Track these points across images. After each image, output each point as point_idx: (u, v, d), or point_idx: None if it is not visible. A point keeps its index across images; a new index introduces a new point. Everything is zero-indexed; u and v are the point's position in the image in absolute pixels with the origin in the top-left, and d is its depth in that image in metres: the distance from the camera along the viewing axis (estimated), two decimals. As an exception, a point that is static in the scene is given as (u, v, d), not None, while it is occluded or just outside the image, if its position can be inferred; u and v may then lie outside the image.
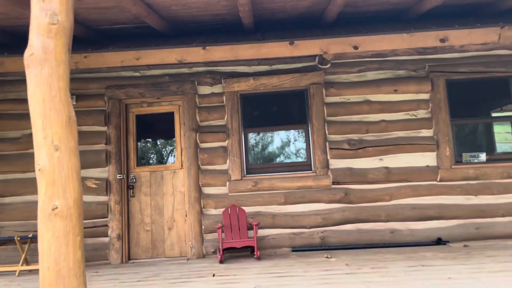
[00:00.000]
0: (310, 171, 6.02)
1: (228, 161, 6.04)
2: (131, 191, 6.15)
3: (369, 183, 5.95)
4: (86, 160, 6.02)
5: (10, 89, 6.23)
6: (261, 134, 6.30)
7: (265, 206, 5.95)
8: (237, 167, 6.00)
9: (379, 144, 6.00)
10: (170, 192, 6.14)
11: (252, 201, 5.95)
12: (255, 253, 5.35)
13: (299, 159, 6.21)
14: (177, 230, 6.06)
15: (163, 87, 6.16)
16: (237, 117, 6.10)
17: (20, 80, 6.16)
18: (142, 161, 6.39)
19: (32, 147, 5.84)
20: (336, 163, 5.99)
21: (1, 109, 6.24)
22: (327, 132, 6.02)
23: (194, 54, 5.38)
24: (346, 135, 6.03)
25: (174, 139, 6.28)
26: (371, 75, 6.15)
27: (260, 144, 6.28)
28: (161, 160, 6.46)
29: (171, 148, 6.39)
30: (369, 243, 5.84)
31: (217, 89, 6.21)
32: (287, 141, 6.29)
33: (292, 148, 6.25)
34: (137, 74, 6.24)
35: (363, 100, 6.09)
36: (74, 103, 6.09)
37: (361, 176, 5.94)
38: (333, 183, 5.92)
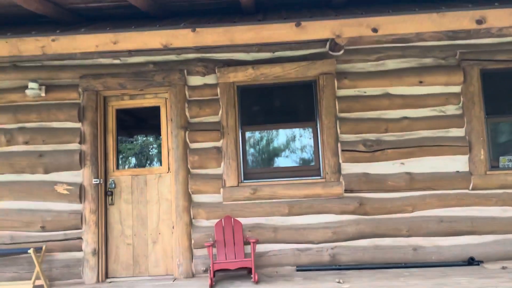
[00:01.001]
0: (319, 177, 5.12)
1: (222, 164, 5.15)
2: (110, 198, 5.28)
3: (388, 191, 5.04)
4: (57, 162, 5.15)
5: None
6: (261, 133, 5.40)
7: (265, 217, 5.06)
8: (233, 171, 5.11)
9: (400, 146, 5.08)
10: (155, 200, 5.26)
11: (251, 212, 5.07)
12: (252, 276, 4.47)
13: (306, 163, 5.30)
14: (163, 244, 5.19)
15: (147, 77, 5.26)
16: (234, 112, 5.20)
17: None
18: (123, 163, 5.51)
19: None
20: (350, 168, 5.08)
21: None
22: (339, 131, 5.11)
23: (183, 37, 4.46)
24: (361, 135, 5.12)
25: (160, 138, 5.39)
26: (392, 64, 5.21)
27: (260, 145, 5.38)
28: (145, 163, 5.58)
29: (157, 148, 5.51)
30: (387, 262, 4.95)
31: (210, 79, 5.30)
32: (291, 142, 5.38)
33: (297, 150, 5.35)
34: (117, 61, 5.34)
35: (382, 93, 5.17)
36: (43, 94, 5.21)
37: (378, 183, 5.03)
38: (346, 191, 5.02)
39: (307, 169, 5.22)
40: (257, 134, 5.38)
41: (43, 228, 5.09)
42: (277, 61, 5.25)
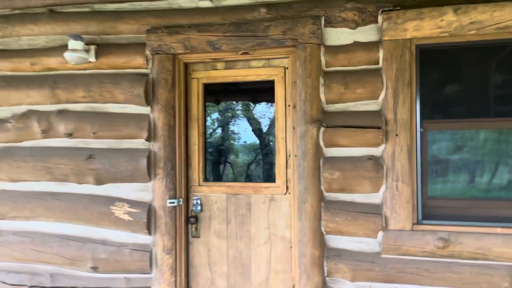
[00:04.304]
0: None
1: (383, 187, 2.90)
2: (194, 227, 3.33)
3: None
4: (114, 167, 3.26)
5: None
6: (456, 135, 3.01)
7: (462, 290, 2.80)
8: (403, 202, 2.84)
9: None
10: (264, 237, 3.21)
11: (434, 279, 2.82)
12: None
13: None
14: (275, 309, 3.18)
15: (256, 31, 3.04)
16: (409, 95, 2.85)
17: None
18: (214, 173, 3.48)
19: None
20: None
21: None
22: None
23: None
24: None
25: (273, 135, 3.25)
26: None
27: (453, 156, 3.01)
28: (248, 175, 3.50)
29: (268, 153, 3.39)
30: None
31: (366, 34, 2.96)
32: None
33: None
34: (206, 3, 3.16)
35: None
36: (92, 59, 3.25)
37: None
38: None
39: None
40: (450, 137, 3.00)
41: (95, 269, 3.31)
42: (503, -2, 2.72)
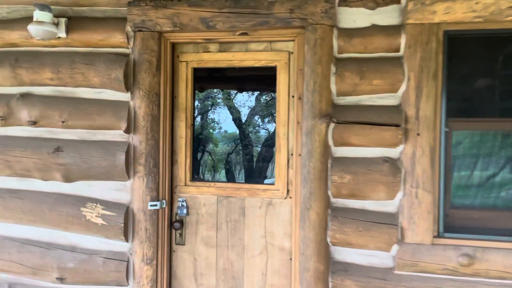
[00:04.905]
0: None
1: (400, 194, 2.52)
2: (178, 233, 2.89)
3: None
4: (86, 163, 2.78)
5: None
6: (486, 136, 2.63)
7: (486, 314, 2.45)
8: (423, 211, 2.47)
9: None
10: (260, 247, 2.80)
11: (456, 299, 2.47)
12: None
13: None
14: (270, 329, 2.79)
15: (258, 8, 2.59)
16: (434, 89, 2.46)
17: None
18: (202, 171, 3.04)
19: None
20: None
21: None
22: None
23: None
24: None
25: (273, 130, 2.83)
26: None
27: (481, 160, 2.64)
28: (245, 174, 3.07)
29: (267, 151, 2.96)
30: None
31: (386, 15, 2.55)
32: None
33: None
34: (199, -27, 2.69)
35: None
36: (63, 34, 2.74)
37: None
38: None
39: None
40: (478, 139, 2.63)
41: (62, 280, 2.84)
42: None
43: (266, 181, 3.01)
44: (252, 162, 2.85)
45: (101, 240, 2.84)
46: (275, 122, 2.78)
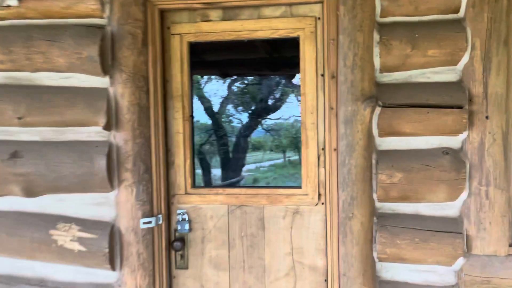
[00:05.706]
0: None
1: (464, 194, 1.99)
2: (179, 254, 2.27)
3: None
4: (54, 172, 2.10)
5: None
6: None
7: None
8: (496, 215, 1.95)
9: None
10: (285, 266, 2.22)
11: (540, 324, 1.97)
12: None
13: None
14: None
15: (275, -40, 1.96)
16: (505, 59, 1.93)
17: None
18: (208, 174, 2.41)
19: None
20: None
21: None
22: None
23: None
24: None
25: (297, 120, 2.23)
26: None
27: None
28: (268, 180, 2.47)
29: (293, 147, 2.36)
30: None
31: (442, -33, 1.97)
32: None
33: None
34: None
35: None
36: (14, 2, 2.03)
37: None
38: None
39: None
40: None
41: (29, 326, 2.17)
42: None
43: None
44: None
45: (79, 270, 2.20)
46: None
